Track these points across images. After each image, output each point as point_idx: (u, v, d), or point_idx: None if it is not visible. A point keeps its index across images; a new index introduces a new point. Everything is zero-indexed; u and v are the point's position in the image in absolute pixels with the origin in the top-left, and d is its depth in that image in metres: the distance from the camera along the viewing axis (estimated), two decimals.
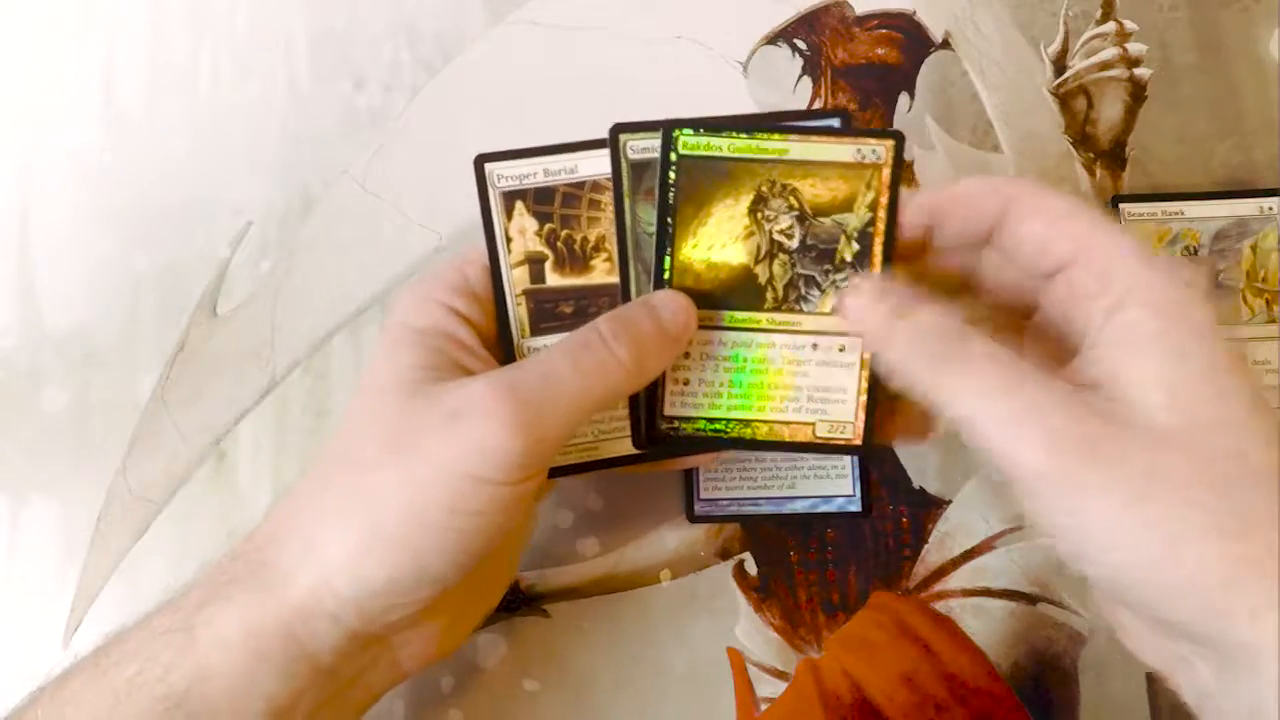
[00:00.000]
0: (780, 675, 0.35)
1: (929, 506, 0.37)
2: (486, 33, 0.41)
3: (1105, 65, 0.40)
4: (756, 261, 0.29)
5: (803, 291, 0.29)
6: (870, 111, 0.40)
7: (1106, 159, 0.40)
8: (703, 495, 0.35)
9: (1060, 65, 0.41)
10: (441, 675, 0.35)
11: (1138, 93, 0.40)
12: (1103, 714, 0.35)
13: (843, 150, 0.28)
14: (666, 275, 0.29)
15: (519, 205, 0.30)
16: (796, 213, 0.28)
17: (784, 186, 0.28)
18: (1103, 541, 0.23)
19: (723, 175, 0.28)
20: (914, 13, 0.41)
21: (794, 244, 0.28)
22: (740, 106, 0.40)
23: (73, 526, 0.37)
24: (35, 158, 0.41)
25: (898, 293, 0.27)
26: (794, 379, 0.29)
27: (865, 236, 0.28)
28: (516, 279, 0.30)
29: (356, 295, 0.39)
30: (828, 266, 0.28)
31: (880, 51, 0.41)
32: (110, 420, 0.38)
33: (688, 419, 0.29)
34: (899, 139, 0.28)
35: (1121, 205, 0.37)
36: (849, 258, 0.28)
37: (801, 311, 0.29)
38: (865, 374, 0.29)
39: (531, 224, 0.30)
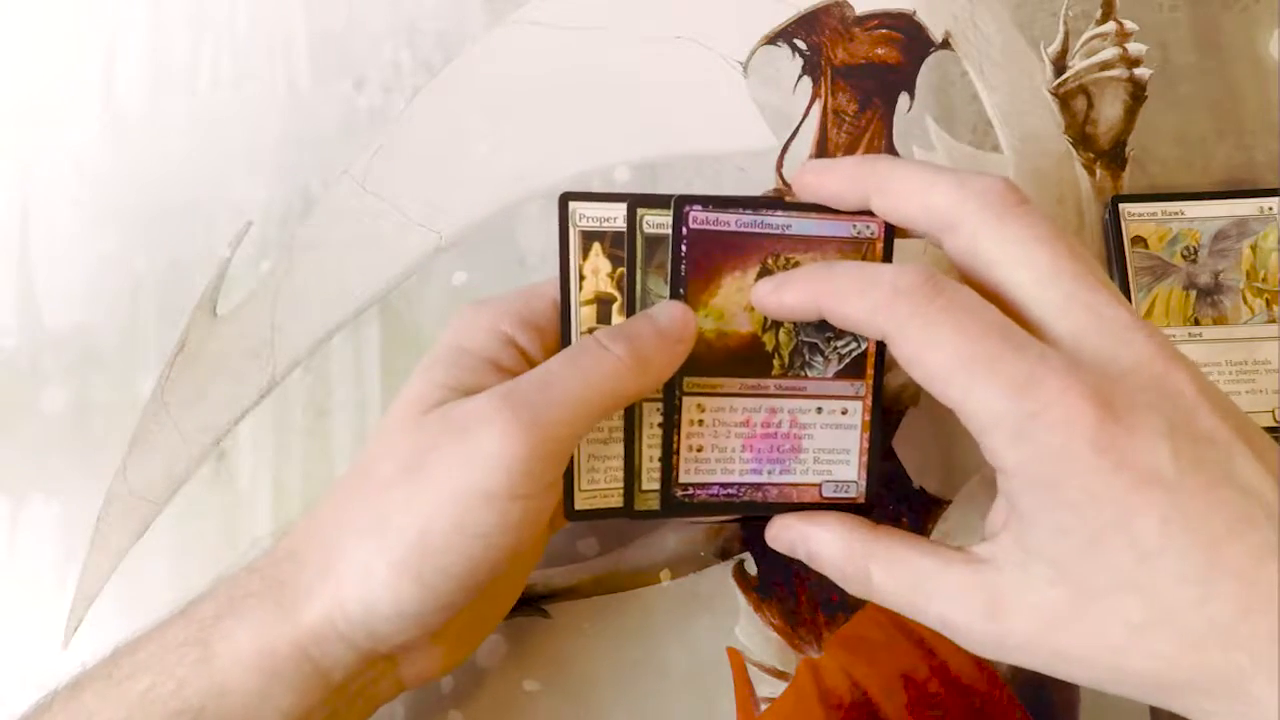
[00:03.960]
0: (780, 675, 0.35)
1: (929, 506, 0.37)
2: (486, 33, 0.41)
3: (1105, 65, 0.40)
4: (764, 330, 0.30)
5: (807, 358, 0.30)
6: (870, 111, 0.40)
7: (1106, 159, 0.40)
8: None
9: (1060, 65, 0.41)
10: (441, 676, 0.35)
11: (1138, 93, 0.40)
12: (1103, 714, 0.35)
13: (840, 227, 0.30)
14: None
15: (596, 246, 0.30)
16: None
17: (787, 260, 0.30)
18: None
19: (730, 248, 0.29)
20: (914, 13, 0.41)
21: None
22: (740, 106, 0.40)
23: (73, 526, 0.37)
24: (35, 158, 0.41)
25: (805, 530, 0.29)
26: (801, 442, 0.31)
27: None
28: (584, 317, 0.30)
29: (356, 295, 0.39)
30: (829, 334, 0.30)
31: (880, 51, 0.41)
32: (110, 420, 0.38)
33: (702, 485, 0.31)
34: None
35: (1121, 205, 0.37)
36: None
37: (806, 377, 0.30)
38: (867, 435, 0.31)
39: (605, 265, 0.30)
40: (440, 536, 0.26)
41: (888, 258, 0.30)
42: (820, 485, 0.31)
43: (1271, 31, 0.41)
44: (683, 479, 0.30)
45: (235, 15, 0.42)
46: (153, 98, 0.41)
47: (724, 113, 0.41)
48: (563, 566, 0.36)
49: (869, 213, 0.29)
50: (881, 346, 0.31)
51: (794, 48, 0.41)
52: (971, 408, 0.24)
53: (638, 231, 0.30)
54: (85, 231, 0.40)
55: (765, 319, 0.30)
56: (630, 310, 0.30)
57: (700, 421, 0.30)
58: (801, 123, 0.40)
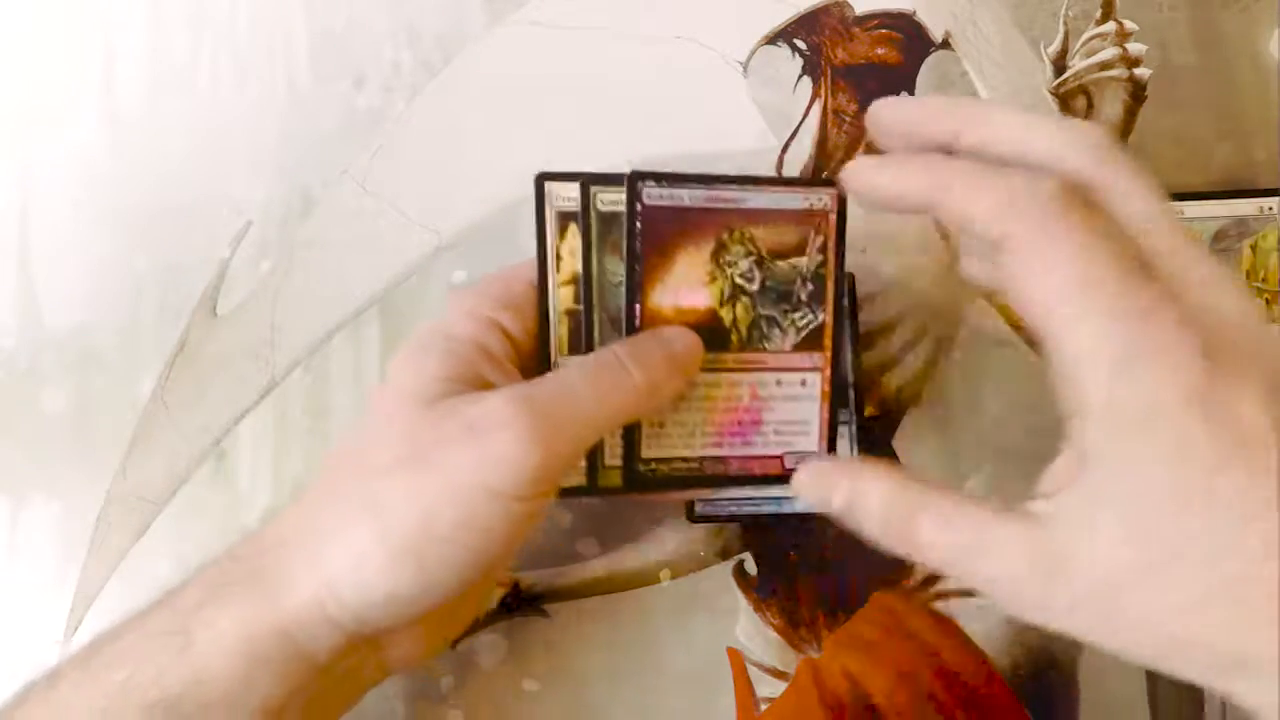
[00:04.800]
0: (780, 675, 0.35)
1: None
2: (486, 33, 0.41)
3: (1105, 65, 0.40)
4: (721, 305, 0.30)
5: (765, 331, 0.30)
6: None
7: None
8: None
9: (1060, 65, 0.41)
10: (441, 675, 0.35)
11: (1137, 93, 0.40)
12: (1103, 714, 0.35)
13: (792, 198, 0.30)
14: (638, 323, 0.29)
15: (572, 227, 0.30)
16: (755, 258, 0.30)
17: (742, 234, 0.30)
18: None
19: (685, 224, 0.29)
20: (914, 13, 0.41)
21: (754, 286, 0.30)
22: (740, 106, 0.40)
23: (73, 526, 0.37)
24: (35, 158, 0.41)
25: (849, 478, 0.27)
26: (761, 414, 0.31)
27: (818, 278, 0.31)
28: (562, 298, 0.30)
29: (356, 295, 0.39)
30: (786, 306, 0.30)
31: (880, 51, 0.41)
32: (110, 420, 0.38)
33: (664, 459, 0.31)
34: (839, 187, 0.29)
35: None
36: (804, 297, 0.30)
37: (765, 350, 0.30)
38: (826, 405, 0.31)
39: (582, 246, 0.30)
40: (444, 527, 0.26)
41: (841, 230, 0.30)
42: (782, 457, 0.31)
43: (1271, 31, 0.41)
44: (645, 454, 0.30)
45: (235, 15, 0.42)
46: (153, 98, 0.41)
47: (724, 113, 0.41)
48: (563, 566, 0.36)
49: (825, 183, 0.30)
50: (840, 318, 0.31)
51: (794, 48, 0.41)
52: (1076, 334, 0.23)
53: (591, 210, 0.29)
54: (85, 232, 0.40)
55: (722, 294, 0.30)
56: (587, 290, 0.30)
57: None
58: (801, 123, 0.40)
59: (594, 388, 0.27)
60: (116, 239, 0.40)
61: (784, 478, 0.31)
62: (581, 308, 0.30)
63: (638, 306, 0.29)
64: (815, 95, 0.41)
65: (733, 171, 0.38)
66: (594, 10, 0.41)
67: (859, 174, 0.27)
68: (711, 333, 0.30)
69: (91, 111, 0.41)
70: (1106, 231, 0.23)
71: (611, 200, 0.29)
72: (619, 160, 0.40)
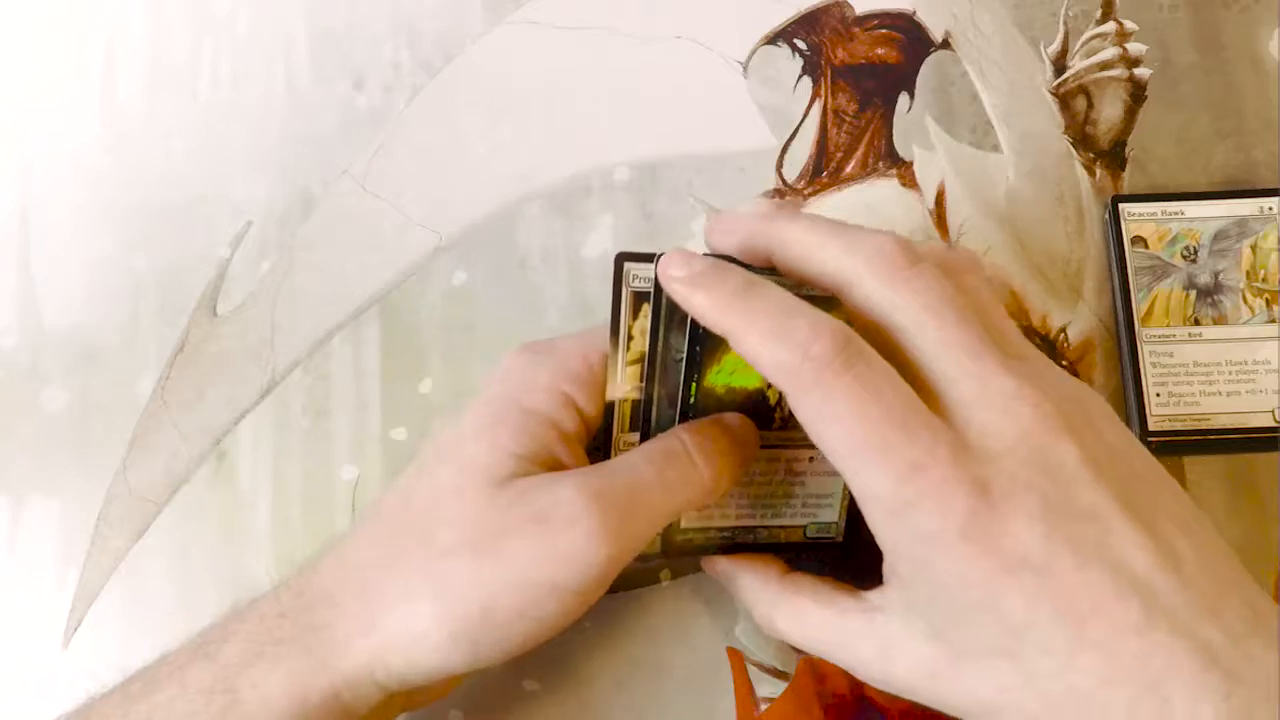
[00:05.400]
0: (780, 675, 0.35)
1: None
2: (486, 33, 0.41)
3: (1105, 65, 0.40)
4: (769, 385, 0.30)
5: None
6: (870, 111, 0.40)
7: (1106, 159, 0.40)
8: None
9: (1060, 65, 0.41)
10: None
11: (1138, 93, 0.40)
12: None
13: None
14: (693, 400, 0.30)
15: (645, 307, 0.30)
16: None
17: None
18: None
19: None
20: (914, 13, 0.41)
21: None
22: (740, 106, 0.40)
23: (73, 526, 0.37)
24: (35, 158, 0.41)
25: (729, 564, 0.32)
26: (793, 488, 0.32)
27: None
28: (627, 376, 0.30)
29: (356, 295, 0.39)
30: None
31: (880, 51, 0.41)
32: (110, 420, 0.38)
33: (701, 529, 0.32)
34: None
35: (1121, 205, 0.37)
36: None
37: (799, 427, 0.30)
38: None
39: (651, 321, 0.30)
40: (504, 615, 0.26)
41: None
42: (805, 527, 0.32)
43: (1271, 31, 0.41)
44: (684, 524, 0.31)
45: (235, 15, 0.42)
46: (153, 98, 0.41)
47: (724, 113, 0.41)
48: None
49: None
50: None
51: (794, 48, 0.41)
52: (857, 485, 0.25)
53: (662, 290, 0.29)
54: (85, 232, 0.40)
55: None
56: (650, 366, 0.30)
57: None
58: (801, 123, 0.40)
59: (662, 481, 0.27)
60: (116, 239, 0.40)
61: (804, 545, 0.33)
62: (643, 385, 0.30)
63: (694, 385, 0.29)
64: (815, 95, 0.41)
65: (733, 172, 0.38)
66: (594, 10, 0.41)
67: (672, 268, 0.27)
68: (756, 410, 0.30)
69: (91, 111, 0.41)
70: (878, 387, 0.24)
71: None
72: (619, 160, 0.40)
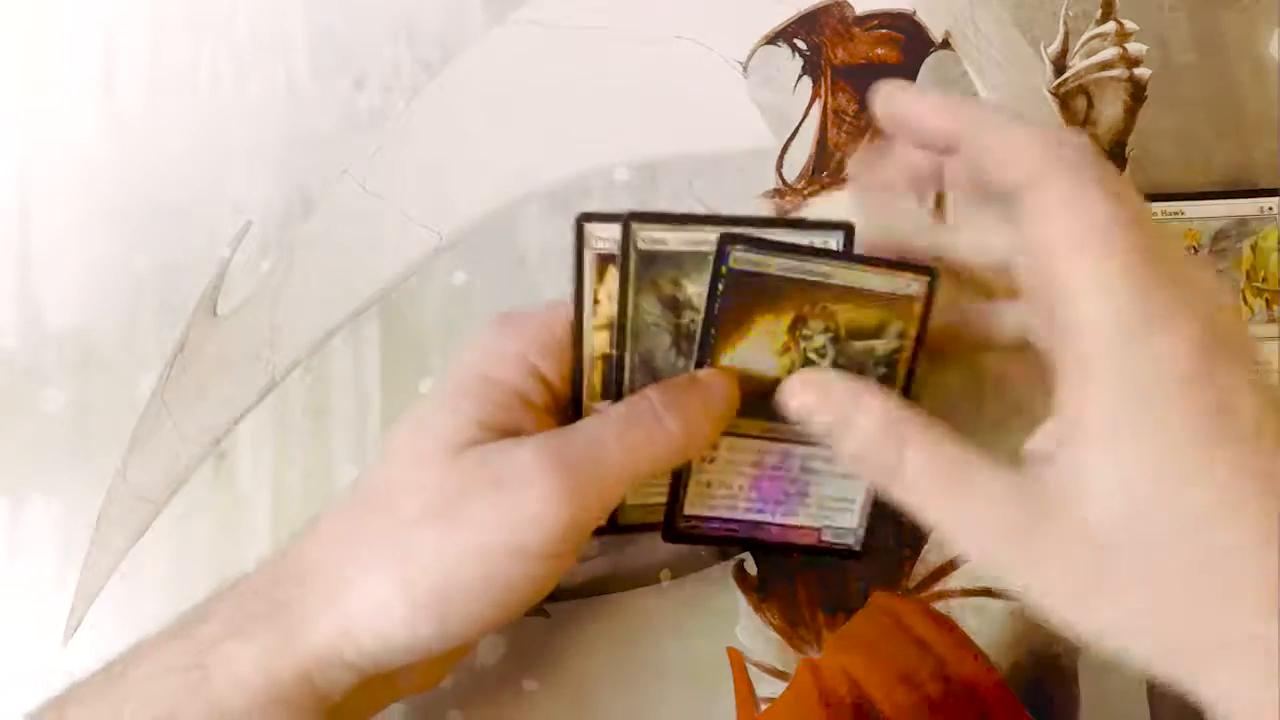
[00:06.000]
0: (780, 675, 0.35)
1: None
2: (486, 33, 0.41)
3: (1105, 65, 0.40)
4: (788, 376, 0.29)
5: None
6: (870, 111, 0.40)
7: (1106, 159, 0.40)
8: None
9: (1060, 65, 0.41)
10: None
11: (1138, 93, 0.40)
12: (1103, 714, 0.35)
13: (882, 281, 0.29)
14: None
15: (611, 270, 0.29)
16: (832, 335, 0.29)
17: (825, 308, 0.29)
18: (1059, 620, 0.24)
19: (769, 293, 0.29)
20: (914, 13, 0.41)
21: (825, 363, 0.29)
22: (740, 106, 0.40)
23: (73, 526, 0.37)
24: (35, 157, 0.41)
25: (835, 400, 0.27)
26: (808, 487, 0.31)
27: (891, 363, 0.30)
28: (597, 343, 0.30)
29: (356, 295, 0.39)
30: None
31: (880, 51, 0.41)
32: (110, 420, 0.38)
33: (705, 518, 0.31)
34: (934, 276, 0.29)
35: None
36: (874, 380, 0.29)
37: None
38: (873, 489, 0.31)
39: (619, 284, 0.29)
40: (467, 583, 0.26)
41: (924, 320, 0.29)
42: (820, 530, 0.32)
43: (1271, 31, 0.41)
44: (687, 510, 0.31)
45: (235, 15, 0.42)
46: (152, 97, 0.41)
47: (724, 113, 0.40)
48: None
49: (920, 270, 0.29)
50: None
51: (794, 48, 0.41)
52: (1091, 293, 0.23)
53: (632, 248, 0.29)
54: (85, 231, 0.40)
55: (792, 365, 0.29)
56: (620, 332, 0.29)
57: (712, 460, 0.30)
58: (801, 123, 0.40)
59: (626, 440, 0.27)
60: (116, 239, 0.40)
61: (818, 550, 0.32)
62: (614, 352, 0.29)
63: (707, 368, 0.29)
64: (815, 95, 0.41)
65: (733, 172, 0.38)
66: (594, 10, 0.41)
67: (894, 100, 0.27)
68: (775, 402, 0.29)
69: (91, 111, 0.41)
70: (1131, 196, 0.24)
71: (654, 239, 0.29)
72: (619, 160, 0.40)
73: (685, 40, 0.41)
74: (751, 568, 0.36)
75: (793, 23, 0.41)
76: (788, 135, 0.40)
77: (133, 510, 0.37)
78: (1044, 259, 0.24)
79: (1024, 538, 0.24)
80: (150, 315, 0.39)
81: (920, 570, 0.36)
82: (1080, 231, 0.23)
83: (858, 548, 0.32)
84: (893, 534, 0.37)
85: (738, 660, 0.36)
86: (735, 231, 0.28)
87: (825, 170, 0.40)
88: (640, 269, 0.28)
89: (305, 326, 0.39)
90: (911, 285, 0.29)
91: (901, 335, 0.29)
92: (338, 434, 0.38)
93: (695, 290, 0.29)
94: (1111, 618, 0.23)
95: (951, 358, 0.33)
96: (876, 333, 0.29)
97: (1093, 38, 0.41)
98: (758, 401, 0.29)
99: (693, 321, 0.29)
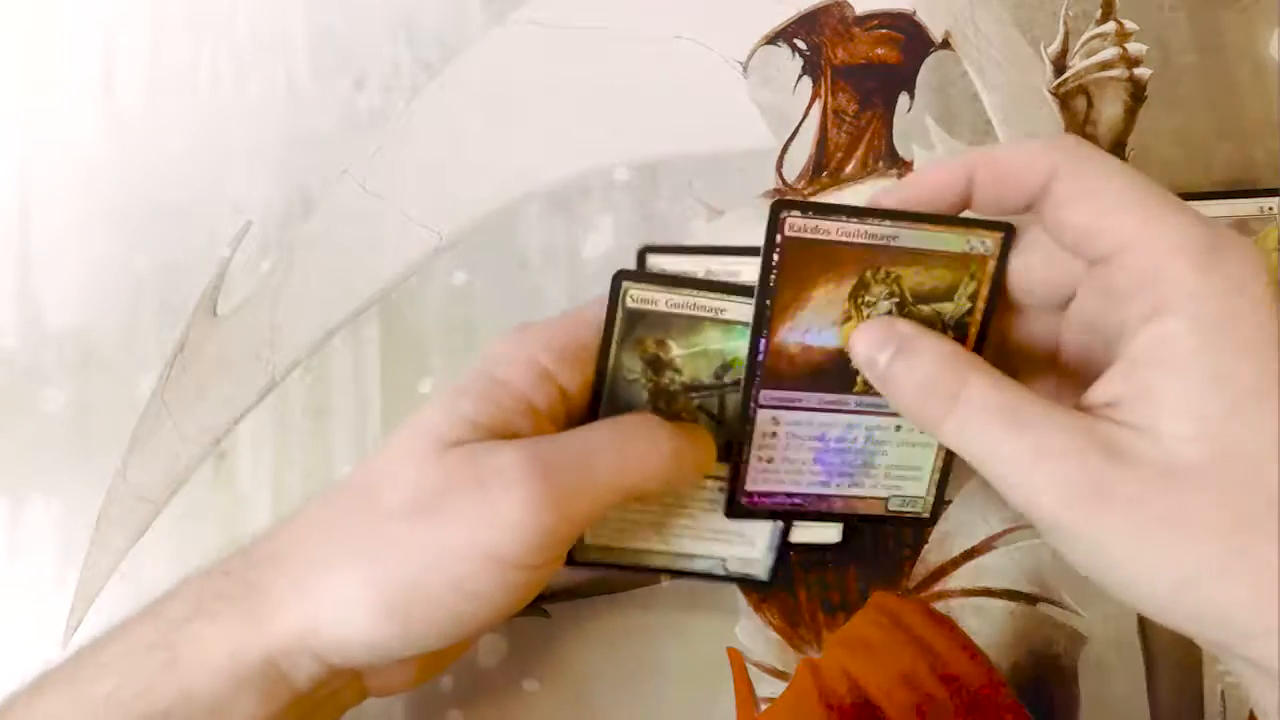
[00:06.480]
0: (780, 675, 0.35)
1: None
2: (486, 33, 0.41)
3: (1105, 65, 0.40)
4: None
5: None
6: (870, 111, 0.40)
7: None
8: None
9: (1060, 65, 0.41)
10: (441, 675, 0.35)
11: (1138, 93, 0.40)
12: (1103, 714, 0.35)
13: (953, 240, 0.27)
14: (761, 356, 0.28)
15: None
16: (896, 299, 0.28)
17: (888, 273, 0.28)
18: (1121, 577, 0.23)
19: (828, 259, 0.27)
20: (914, 13, 0.41)
21: None
22: (740, 106, 0.40)
23: (73, 526, 0.37)
24: (35, 157, 0.41)
25: (899, 333, 0.26)
26: (875, 458, 0.30)
27: (961, 326, 0.28)
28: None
29: (356, 295, 0.39)
30: None
31: (880, 51, 0.41)
32: (110, 420, 0.38)
33: (768, 493, 0.30)
34: (1009, 232, 0.27)
35: None
36: None
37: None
38: (942, 454, 0.30)
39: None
40: (435, 590, 0.25)
41: (998, 279, 0.28)
42: (887, 499, 0.31)
43: (1271, 31, 0.41)
44: (749, 487, 0.30)
45: (235, 15, 0.42)
46: (152, 97, 0.41)
47: (724, 113, 0.40)
48: (563, 566, 0.36)
49: (994, 226, 0.27)
50: None
51: (794, 48, 0.41)
52: (1159, 228, 0.23)
53: (619, 305, 0.28)
54: (85, 231, 0.40)
55: None
56: (599, 385, 0.29)
57: (774, 434, 0.30)
58: (801, 123, 0.40)
59: (616, 455, 0.26)
60: (116, 239, 0.40)
61: (884, 519, 0.31)
62: (593, 396, 0.29)
63: (763, 342, 0.28)
64: (815, 95, 0.41)
65: (733, 172, 0.38)
66: (594, 10, 0.41)
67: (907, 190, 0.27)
68: (836, 373, 0.29)
69: (91, 111, 0.41)
70: (1024, 398, 0.24)
71: (641, 298, 0.28)
72: (619, 160, 0.40)
73: (685, 40, 0.41)
74: None
75: (793, 23, 0.41)
76: (788, 135, 0.40)
77: (133, 510, 0.37)
78: (1091, 231, 0.24)
79: (1092, 485, 0.22)
80: (150, 315, 0.39)
81: (920, 570, 0.36)
82: (1129, 193, 0.23)
83: (927, 514, 0.31)
84: (892, 534, 0.37)
85: (738, 660, 0.36)
86: (790, 199, 0.27)
87: (825, 170, 0.40)
88: (625, 327, 0.28)
89: (305, 326, 0.39)
90: (984, 243, 0.27)
91: (974, 297, 0.28)
92: (338, 434, 0.38)
93: (679, 353, 0.29)
94: (1192, 564, 0.21)
95: None
96: (945, 295, 0.28)
97: (1093, 38, 0.41)
98: (819, 375, 0.29)
99: (671, 381, 0.29)
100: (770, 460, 0.30)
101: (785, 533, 0.33)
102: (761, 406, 0.29)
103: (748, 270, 0.30)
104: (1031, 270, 0.27)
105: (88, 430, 0.38)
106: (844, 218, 0.27)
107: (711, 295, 0.28)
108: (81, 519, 0.37)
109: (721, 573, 0.32)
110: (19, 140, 0.41)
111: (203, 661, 0.25)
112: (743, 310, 0.28)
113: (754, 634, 0.36)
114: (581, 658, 0.35)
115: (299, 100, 0.41)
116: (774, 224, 0.27)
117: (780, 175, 0.40)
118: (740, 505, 0.30)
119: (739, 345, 0.29)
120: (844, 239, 0.27)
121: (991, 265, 0.28)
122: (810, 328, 0.28)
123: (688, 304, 0.29)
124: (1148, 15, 0.41)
